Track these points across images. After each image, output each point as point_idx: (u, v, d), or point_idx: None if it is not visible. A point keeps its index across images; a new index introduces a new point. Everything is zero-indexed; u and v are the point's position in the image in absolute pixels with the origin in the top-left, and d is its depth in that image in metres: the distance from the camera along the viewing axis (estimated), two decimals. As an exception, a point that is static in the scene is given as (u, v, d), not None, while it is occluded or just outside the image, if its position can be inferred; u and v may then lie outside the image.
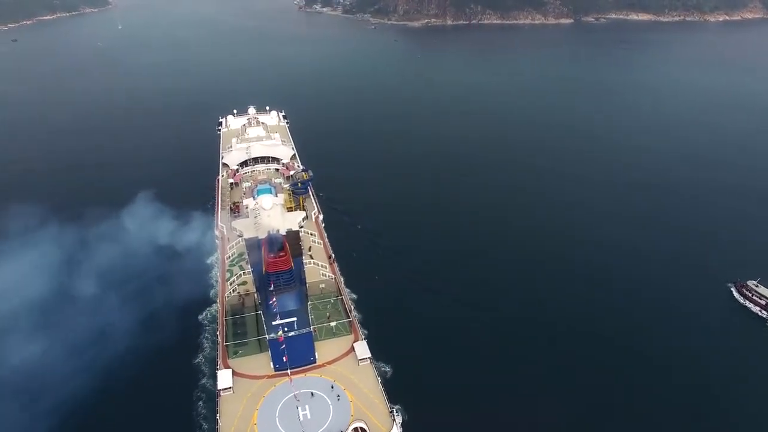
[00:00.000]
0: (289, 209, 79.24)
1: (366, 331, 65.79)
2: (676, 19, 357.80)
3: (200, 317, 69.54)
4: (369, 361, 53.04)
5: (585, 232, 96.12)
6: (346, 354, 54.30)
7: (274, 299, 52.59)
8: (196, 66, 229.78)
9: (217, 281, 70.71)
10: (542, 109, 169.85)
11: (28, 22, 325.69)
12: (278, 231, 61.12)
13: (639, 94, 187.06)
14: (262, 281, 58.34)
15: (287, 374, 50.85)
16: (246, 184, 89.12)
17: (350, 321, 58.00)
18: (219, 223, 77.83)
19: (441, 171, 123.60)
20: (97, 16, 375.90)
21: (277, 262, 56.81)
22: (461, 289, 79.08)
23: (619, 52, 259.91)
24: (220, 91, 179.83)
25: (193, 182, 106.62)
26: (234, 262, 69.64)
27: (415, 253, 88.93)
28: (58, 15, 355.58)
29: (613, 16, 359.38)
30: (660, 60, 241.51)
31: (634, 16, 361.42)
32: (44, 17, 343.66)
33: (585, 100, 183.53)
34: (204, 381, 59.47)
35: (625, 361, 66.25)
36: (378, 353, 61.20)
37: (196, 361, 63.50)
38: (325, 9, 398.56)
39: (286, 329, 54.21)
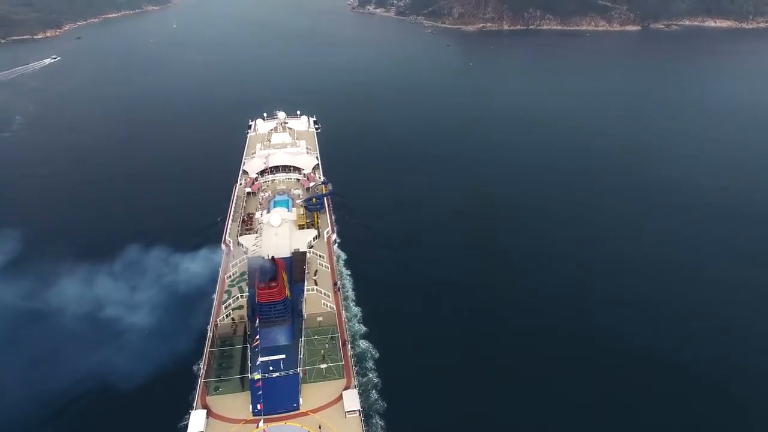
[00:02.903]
0: (301, 226, 74.08)
1: (375, 377, 58.69)
2: (762, 26, 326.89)
3: (195, 368, 56.27)
4: (357, 414, 46.85)
5: (684, 267, 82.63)
6: (334, 402, 48.32)
7: (257, 337, 47.16)
8: (241, 65, 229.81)
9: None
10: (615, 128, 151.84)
11: (95, 20, 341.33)
12: (272, 257, 55.64)
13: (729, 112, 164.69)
14: (255, 310, 53.29)
15: (263, 421, 45.48)
16: (263, 194, 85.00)
17: (344, 364, 51.78)
18: (227, 236, 73.93)
19: (494, 190, 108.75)
20: (157, 14, 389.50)
21: (269, 293, 51.56)
22: (510, 347, 65.41)
23: (694, 63, 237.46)
24: (260, 92, 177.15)
25: (216, 192, 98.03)
26: (234, 282, 65.12)
27: (455, 289, 75.16)
28: (123, 13, 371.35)
29: (687, 22, 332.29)
30: (748, 73, 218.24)
31: (711, 23, 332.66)
32: (110, 15, 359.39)
33: (659, 118, 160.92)
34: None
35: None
36: (379, 408, 54.64)
37: (183, 423, 49.81)
38: (378, 10, 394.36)
39: (271, 368, 48.99)
